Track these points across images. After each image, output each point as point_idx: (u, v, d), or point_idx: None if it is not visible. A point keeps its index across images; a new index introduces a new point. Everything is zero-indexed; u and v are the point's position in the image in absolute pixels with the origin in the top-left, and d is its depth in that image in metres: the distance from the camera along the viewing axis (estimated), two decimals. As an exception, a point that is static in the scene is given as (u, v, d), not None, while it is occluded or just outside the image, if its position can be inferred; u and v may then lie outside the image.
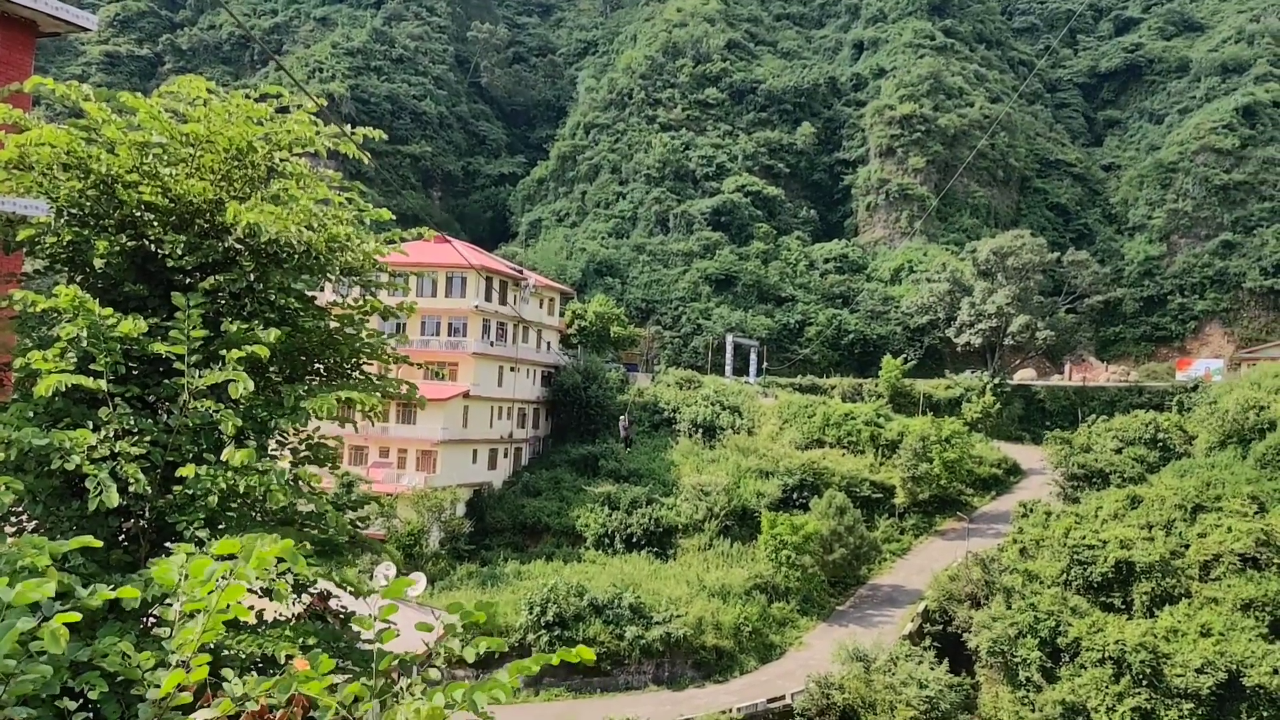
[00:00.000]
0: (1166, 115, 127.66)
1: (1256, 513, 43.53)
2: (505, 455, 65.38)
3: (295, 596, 8.69)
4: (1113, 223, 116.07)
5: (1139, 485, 50.77)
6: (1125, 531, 43.39)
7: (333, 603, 9.04)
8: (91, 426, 7.34)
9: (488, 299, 64.20)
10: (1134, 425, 60.96)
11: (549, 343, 74.87)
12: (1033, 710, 39.48)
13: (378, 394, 10.50)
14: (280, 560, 4.23)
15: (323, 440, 10.77)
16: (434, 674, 5.31)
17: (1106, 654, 38.59)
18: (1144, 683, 37.63)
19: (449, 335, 63.37)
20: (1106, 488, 53.38)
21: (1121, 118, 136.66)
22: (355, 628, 8.79)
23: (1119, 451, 58.89)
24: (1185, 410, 66.85)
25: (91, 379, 7.21)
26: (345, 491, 11.26)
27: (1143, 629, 38.99)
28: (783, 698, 40.19)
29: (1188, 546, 42.67)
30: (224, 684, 3.76)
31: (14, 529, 7.52)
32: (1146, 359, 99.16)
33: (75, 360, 7.45)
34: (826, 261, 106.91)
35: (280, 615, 7.86)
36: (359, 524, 11.12)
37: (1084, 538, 43.51)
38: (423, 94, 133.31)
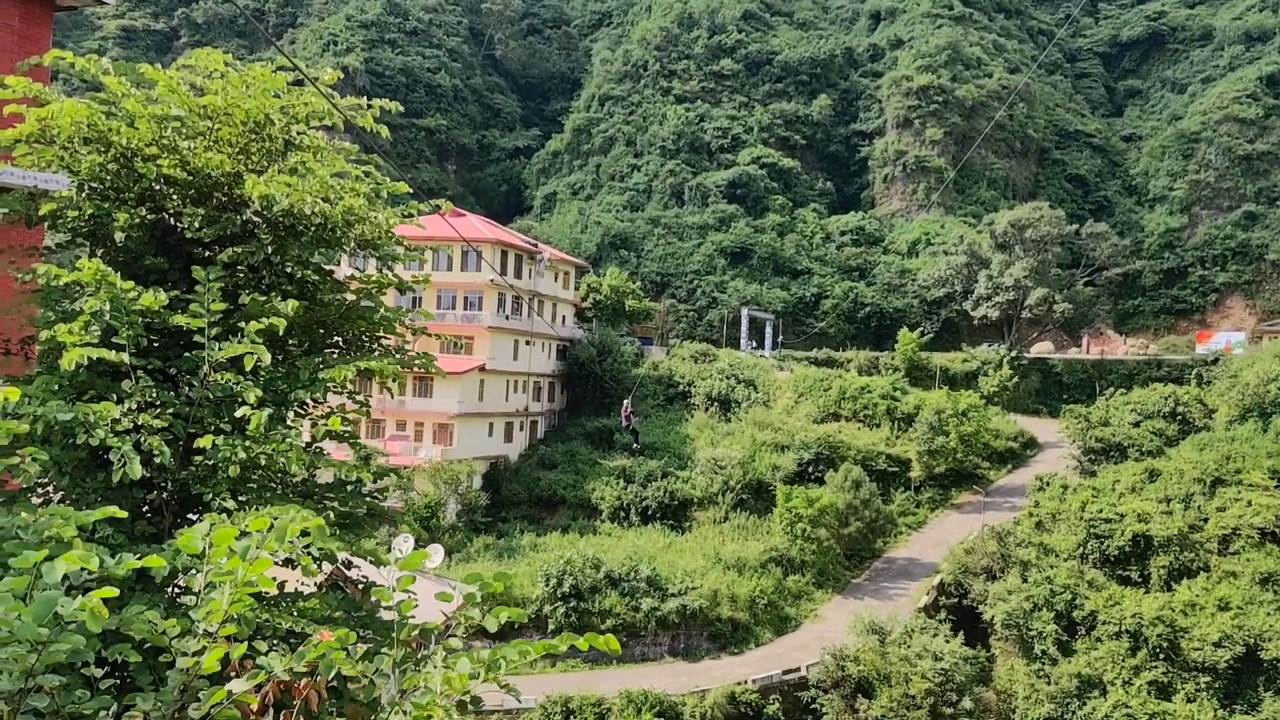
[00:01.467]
0: (1189, 85, 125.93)
1: (1277, 486, 43.28)
2: (521, 428, 65.62)
3: (316, 570, 8.78)
4: (1133, 194, 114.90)
5: (1157, 459, 50.54)
6: (1143, 505, 43.25)
7: (353, 573, 9.12)
8: (115, 399, 7.40)
9: (503, 273, 64.23)
10: (1153, 398, 60.61)
11: (564, 316, 74.91)
12: (1048, 683, 39.56)
13: (396, 365, 10.53)
14: (304, 534, 4.27)
15: (342, 412, 10.81)
16: (454, 643, 5.35)
17: (1123, 627, 38.60)
18: (1161, 656, 37.64)
19: (465, 309, 63.49)
20: (1124, 461, 53.16)
21: (1143, 87, 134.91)
22: (374, 598, 8.85)
23: (1137, 425, 58.59)
24: (1205, 383, 66.43)
25: (114, 352, 7.26)
26: (363, 464, 11.32)
27: (1160, 602, 38.96)
28: (798, 669, 40.40)
29: (1206, 520, 42.50)
30: (256, 656, 3.81)
31: (41, 500, 7.61)
32: (1166, 332, 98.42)
33: (98, 333, 7.50)
34: (843, 234, 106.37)
35: (302, 585, 7.93)
36: (377, 496, 11.18)
37: (1101, 511, 43.40)
38: (437, 67, 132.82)
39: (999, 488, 60.90)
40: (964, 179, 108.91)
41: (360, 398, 10.75)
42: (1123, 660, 38.02)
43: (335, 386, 9.26)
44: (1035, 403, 76.31)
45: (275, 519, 4.14)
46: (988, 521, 50.51)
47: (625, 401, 57.24)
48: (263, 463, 7.73)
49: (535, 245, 72.06)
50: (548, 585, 42.65)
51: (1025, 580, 42.66)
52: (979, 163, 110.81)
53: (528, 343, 66.83)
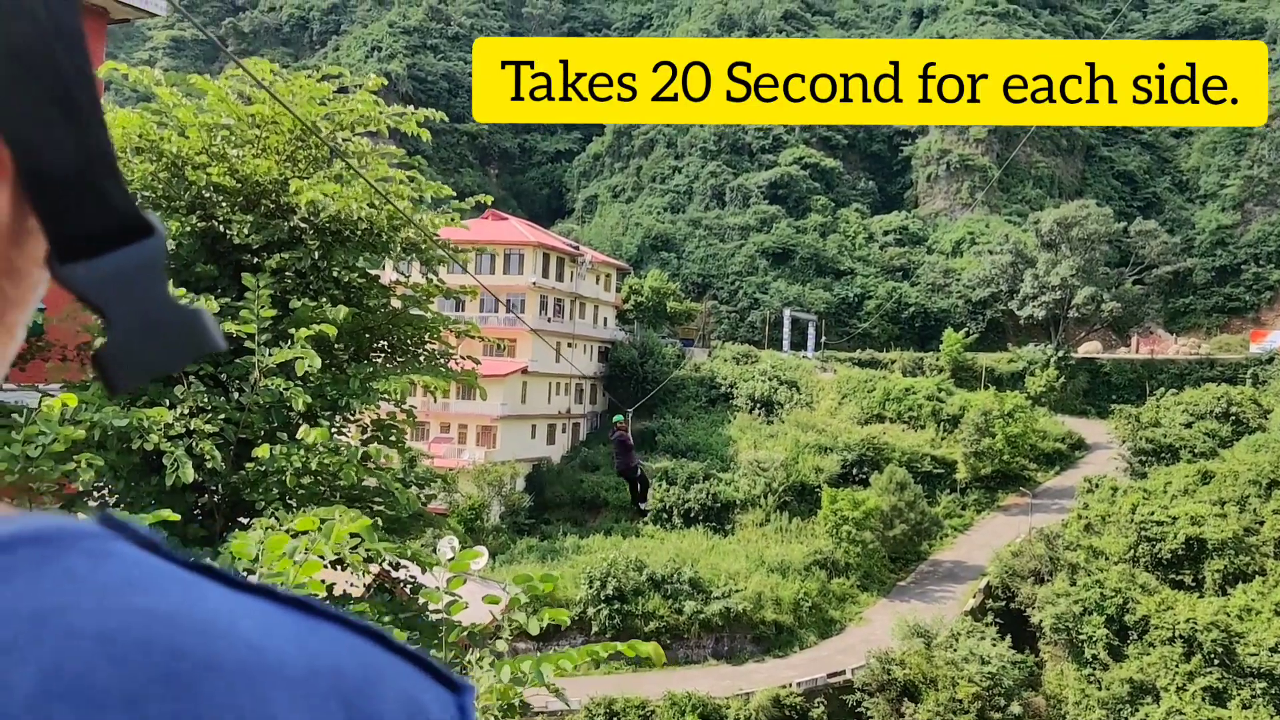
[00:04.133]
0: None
1: (1335, 489, 42.24)
2: (563, 430, 65.84)
3: (365, 568, 8.88)
4: (1183, 191, 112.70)
5: (1210, 460, 49.50)
6: (1196, 508, 42.39)
7: (399, 574, 9.21)
8: (168, 404, 7.55)
9: (545, 275, 64.52)
10: (1205, 399, 59.40)
11: (605, 318, 75.06)
12: (1099, 688, 38.90)
13: (444, 379, 10.68)
14: (353, 535, 4.32)
15: (391, 421, 10.94)
16: (501, 646, 5.37)
17: (1176, 632, 37.85)
18: (1215, 662, 36.86)
19: (507, 312, 63.84)
20: (1176, 463, 52.12)
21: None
22: (421, 599, 8.95)
23: (1189, 426, 57.45)
24: (1260, 383, 64.99)
25: (167, 358, 7.39)
26: (409, 467, 11.42)
27: (1214, 607, 38.14)
28: (843, 673, 40.12)
29: (1263, 523, 41.55)
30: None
31: (97, 503, 7.78)
32: (1218, 331, 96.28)
33: (151, 339, 7.64)
34: (886, 234, 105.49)
35: (350, 586, 8.03)
36: (423, 499, 11.30)
37: (1152, 514, 42.61)
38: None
39: (1046, 490, 59.99)
40: (1009, 177, 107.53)
41: (407, 405, 10.88)
42: (1176, 666, 37.29)
43: (390, 397, 9.37)
44: (1083, 403, 75.10)
45: (324, 520, 4.19)
46: (1035, 524, 49.77)
47: (617, 420, 27.61)
48: (314, 468, 7.84)
49: (577, 248, 72.31)
50: (591, 587, 42.73)
51: (1074, 584, 41.98)
52: (1024, 161, 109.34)
53: (570, 345, 67.07)
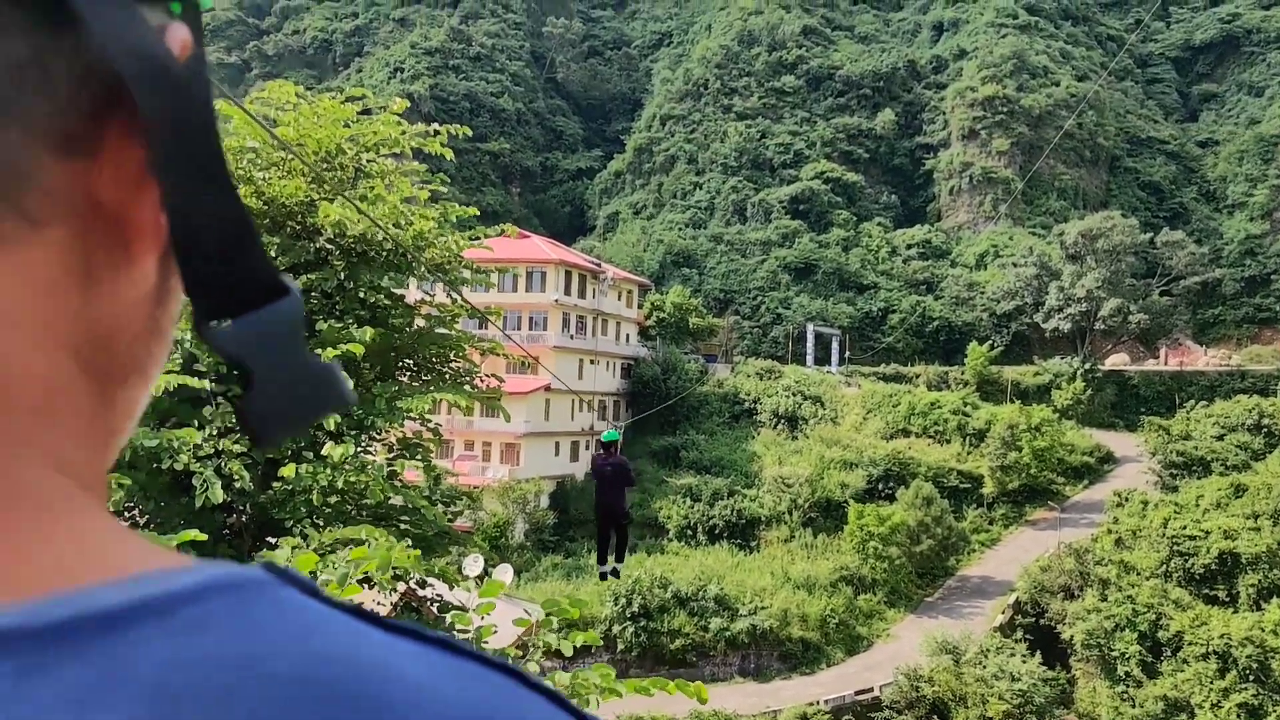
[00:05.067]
0: (1267, 87, 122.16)
1: (1371, 501, 41.54)
2: (587, 447, 65.83)
3: (392, 585, 8.89)
4: (1210, 201, 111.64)
5: (1243, 473, 48.83)
6: (1229, 521, 41.79)
7: (426, 592, 9.21)
8: (196, 425, 7.59)
9: (567, 293, 64.70)
10: (1237, 410, 58.73)
11: (628, 335, 75.12)
12: (1133, 705, 38.33)
13: (468, 398, 10.72)
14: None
15: (417, 440, 10.98)
16: (532, 667, 5.34)
17: (1211, 648, 37.26)
18: (1251, 678, 36.24)
19: (529, 329, 64.04)
20: (1208, 476, 51.42)
21: (1218, 91, 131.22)
22: (449, 619, 8.93)
23: (1221, 438, 56.76)
24: (1292, 394, 64.09)
25: (196, 379, 7.45)
26: (434, 484, 11.44)
27: (1250, 622, 37.52)
28: (871, 690, 39.78)
29: (1296, 536, 40.92)
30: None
31: (127, 523, 7.83)
32: (1249, 341, 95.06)
33: (180, 361, 7.71)
34: (909, 247, 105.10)
35: (377, 605, 8.02)
36: (449, 517, 11.32)
37: (1184, 528, 42.04)
38: (500, 91, 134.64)
39: (1075, 504, 59.36)
40: (1032, 189, 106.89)
41: (433, 423, 10.91)
42: (1211, 682, 36.68)
43: (415, 415, 9.40)
44: (1111, 416, 74.31)
45: (362, 541, 4.19)
46: (1064, 538, 49.24)
47: (608, 438, 15.95)
48: (341, 487, 7.86)
49: (598, 265, 72.49)
50: (616, 605, 42.60)
51: (1105, 599, 41.44)
52: (1047, 173, 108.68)
53: (592, 362, 67.14)
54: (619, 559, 16.84)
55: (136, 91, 0.39)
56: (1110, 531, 45.73)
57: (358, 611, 0.43)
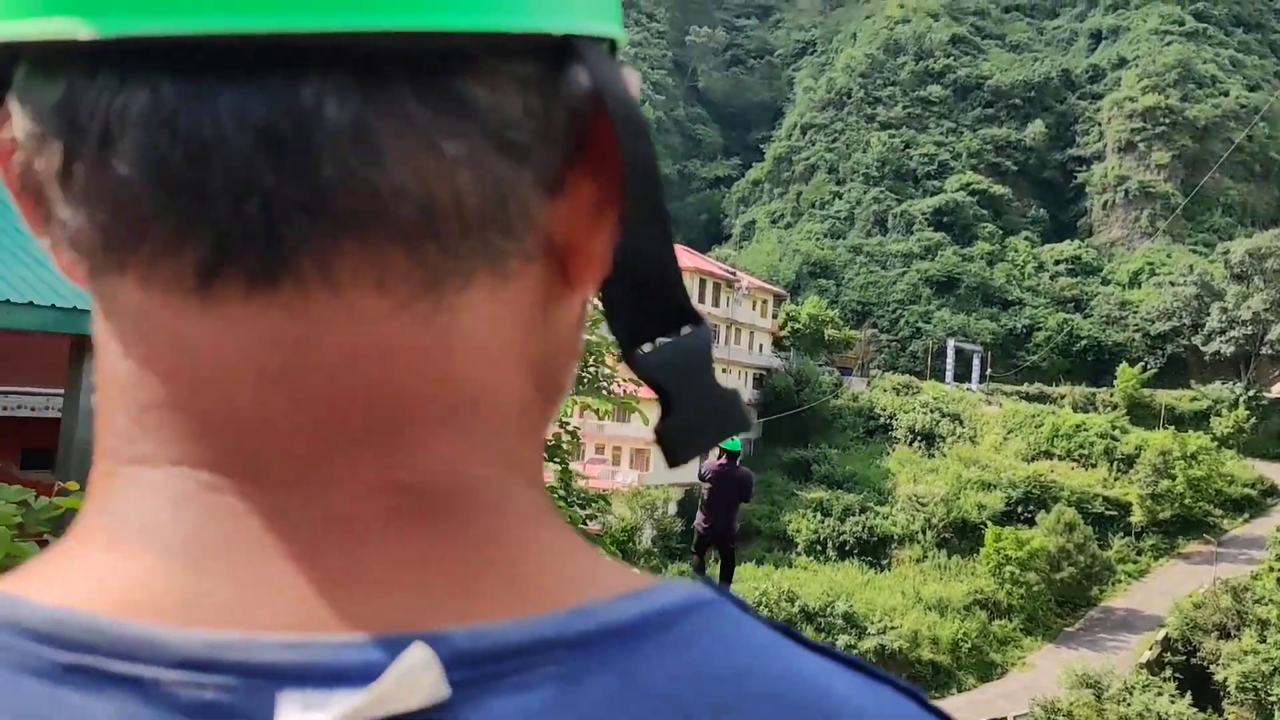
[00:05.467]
0: None
1: None
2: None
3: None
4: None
5: None
6: None
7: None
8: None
9: (700, 301, 64.94)
10: None
11: (761, 345, 74.84)
12: (1291, 756, 36.03)
13: (605, 401, 11.00)
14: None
15: (556, 441, 11.30)
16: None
17: (1383, 701, 34.74)
18: None
19: (664, 336, 64.58)
20: (1385, 516, 47.95)
21: None
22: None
23: (1401, 476, 52.79)
24: None
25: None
26: (566, 486, 11.76)
27: None
28: (1004, 719, 38.58)
29: None
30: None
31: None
32: None
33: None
34: (1057, 263, 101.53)
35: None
36: (583, 520, 11.61)
37: (1357, 570, 39.31)
38: (642, 99, 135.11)
39: (1233, 538, 56.14)
40: (1194, 205, 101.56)
41: (570, 426, 11.22)
42: (1383, 738, 34.18)
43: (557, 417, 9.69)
44: (1277, 447, 70.01)
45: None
46: (1220, 574, 46.64)
47: (731, 447, 13.26)
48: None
49: (733, 273, 72.51)
50: (742, 615, 42.53)
51: (1264, 640, 39.10)
52: (1212, 187, 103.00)
53: (724, 371, 67.16)
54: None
55: (622, 135, 0.42)
56: (1272, 569, 43.15)
57: (785, 629, 0.44)
